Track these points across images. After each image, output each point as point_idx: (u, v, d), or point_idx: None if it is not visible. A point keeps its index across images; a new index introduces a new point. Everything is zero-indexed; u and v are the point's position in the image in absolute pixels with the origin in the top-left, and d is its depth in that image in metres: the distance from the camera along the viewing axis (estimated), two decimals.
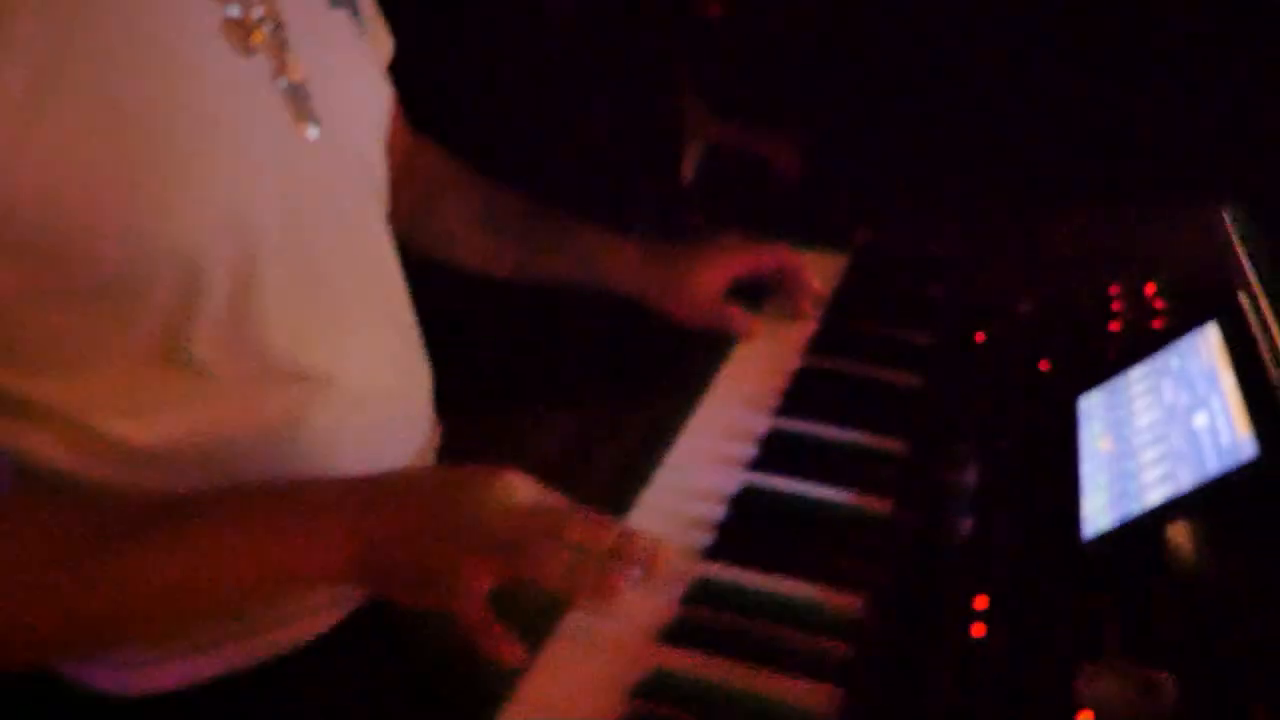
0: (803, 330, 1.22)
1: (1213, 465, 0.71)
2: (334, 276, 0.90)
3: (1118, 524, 0.74)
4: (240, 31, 0.81)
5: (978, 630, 0.74)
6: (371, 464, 0.91)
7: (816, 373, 1.14)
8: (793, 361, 1.16)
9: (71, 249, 0.72)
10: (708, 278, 1.21)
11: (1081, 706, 0.65)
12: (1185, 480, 0.72)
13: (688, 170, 3.25)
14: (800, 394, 1.09)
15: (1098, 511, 0.78)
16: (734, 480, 0.96)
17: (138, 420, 0.81)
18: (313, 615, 0.95)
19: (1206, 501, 0.71)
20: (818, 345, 1.19)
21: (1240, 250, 1.07)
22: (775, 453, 1.00)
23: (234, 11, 0.81)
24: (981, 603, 0.76)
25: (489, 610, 0.68)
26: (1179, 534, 0.72)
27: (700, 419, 1.07)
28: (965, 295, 1.24)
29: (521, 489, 0.71)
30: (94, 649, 0.85)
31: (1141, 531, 0.73)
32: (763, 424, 1.05)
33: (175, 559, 0.70)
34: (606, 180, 2.05)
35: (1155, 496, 0.74)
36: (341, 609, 0.97)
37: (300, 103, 0.85)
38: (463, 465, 0.74)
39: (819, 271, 1.29)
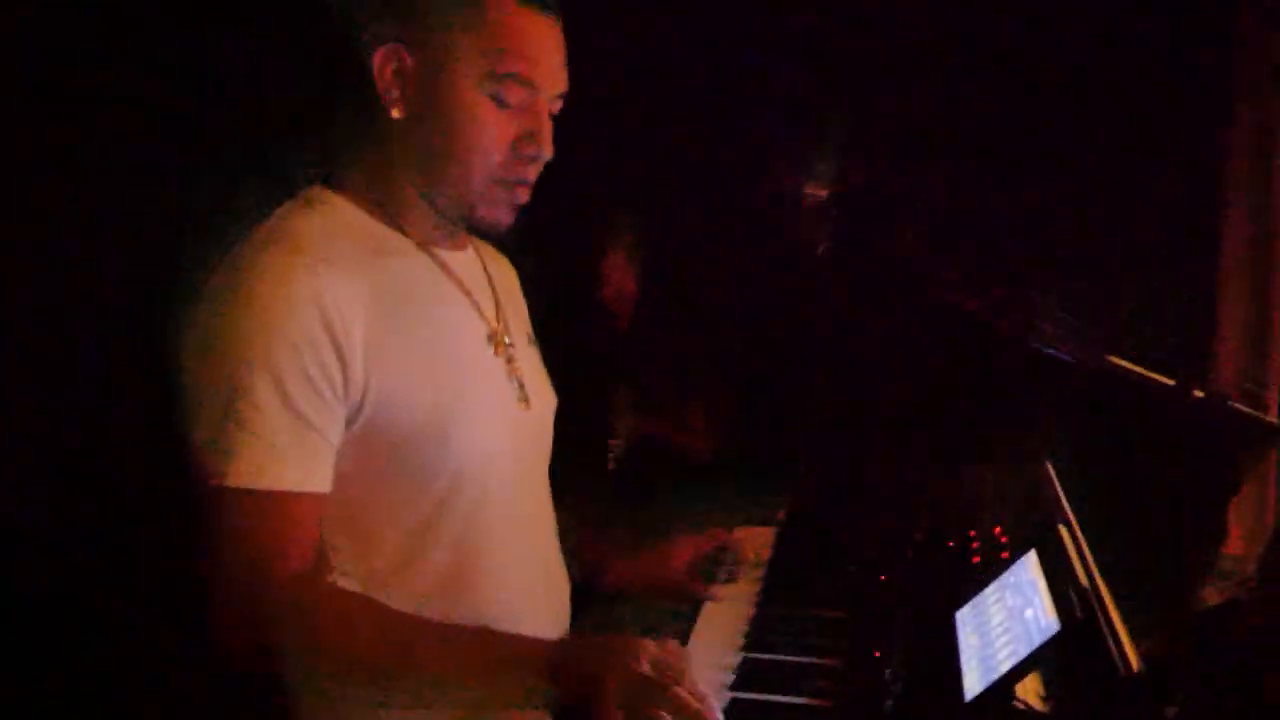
0: (750, 587, 1.62)
1: (1035, 640, 1.11)
2: (524, 502, 1.38)
3: (985, 687, 1.12)
4: (495, 339, 1.37)
5: None
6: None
7: (767, 617, 1.52)
8: (748, 610, 1.55)
9: (407, 440, 1.23)
10: (672, 566, 1.64)
11: None
12: (1021, 652, 1.11)
13: (612, 464, 3.66)
14: (756, 632, 1.47)
15: (973, 682, 1.16)
16: (721, 698, 1.32)
17: (420, 577, 1.27)
18: None
19: (1034, 663, 1.10)
20: (761, 599, 1.59)
21: (1060, 494, 1.51)
22: (745, 677, 1.37)
23: (490, 329, 1.37)
24: None
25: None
26: (1022, 686, 1.11)
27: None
28: (869, 546, 1.65)
29: (652, 652, 1.10)
30: (383, 689, 1.22)
31: (1000, 689, 1.11)
32: (734, 658, 1.42)
33: (439, 663, 1.18)
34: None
35: (1005, 666, 1.12)
36: None
37: (521, 389, 1.38)
38: (614, 637, 1.16)
39: (752, 541, 1.71)
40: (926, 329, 2.04)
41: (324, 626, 1.20)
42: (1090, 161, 2.31)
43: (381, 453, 1.24)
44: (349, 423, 1.22)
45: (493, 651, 1.22)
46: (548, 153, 1.30)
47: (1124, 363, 1.19)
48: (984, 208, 2.31)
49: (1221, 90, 2.20)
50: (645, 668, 1.10)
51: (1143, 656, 1.11)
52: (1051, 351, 1.19)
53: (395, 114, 1.26)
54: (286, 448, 1.17)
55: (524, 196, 1.32)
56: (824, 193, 1.27)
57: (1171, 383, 1.14)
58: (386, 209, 1.31)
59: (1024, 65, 2.36)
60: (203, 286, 1.23)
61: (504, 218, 1.32)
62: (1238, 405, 1.12)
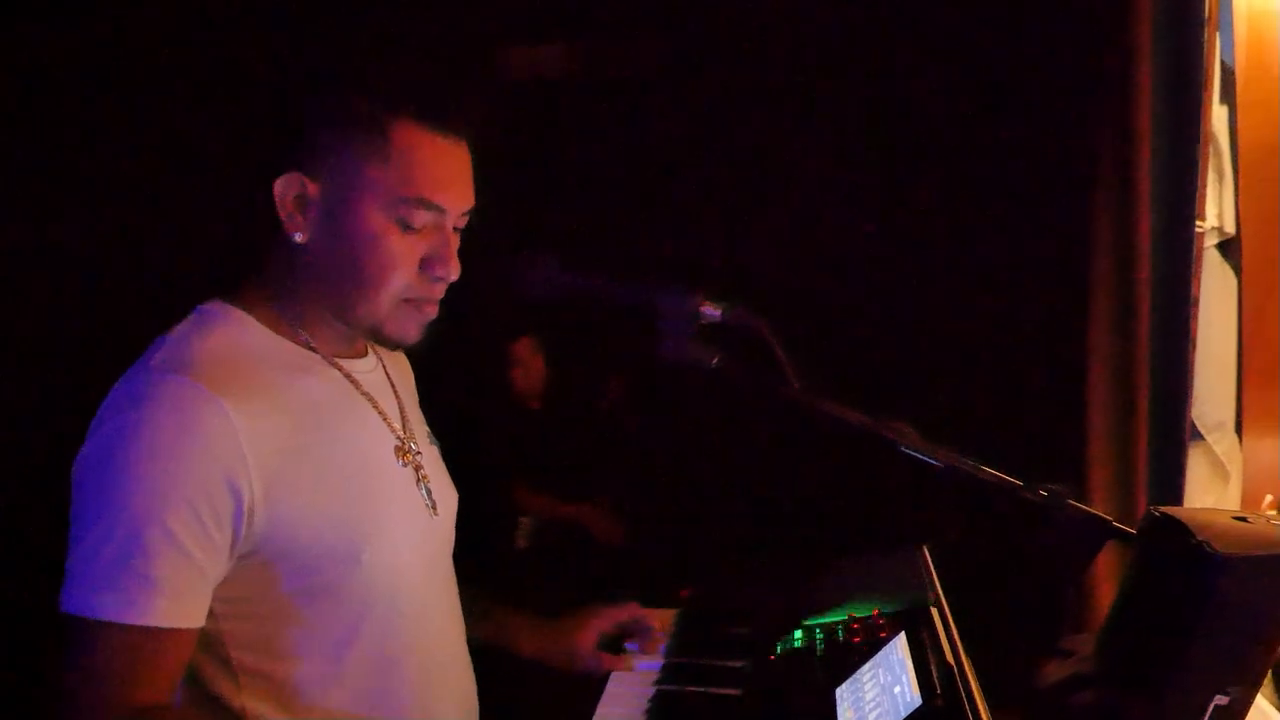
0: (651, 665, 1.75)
1: (902, 712, 1.25)
2: (435, 604, 1.44)
3: None
4: (402, 451, 1.40)
5: None
6: None
7: (669, 692, 1.65)
8: (648, 687, 1.67)
9: (316, 561, 1.25)
10: (583, 638, 1.75)
11: None
12: None
13: (521, 542, 3.75)
14: (660, 706, 1.60)
15: None
16: None
17: (325, 682, 1.29)
18: None
19: None
20: (665, 675, 1.71)
21: (934, 578, 1.67)
22: None
23: (398, 439, 1.40)
24: None
25: None
26: None
27: None
28: (761, 627, 1.78)
29: None
30: None
31: None
32: None
33: None
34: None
35: None
36: None
37: (429, 496, 1.42)
38: None
39: (656, 620, 1.84)
40: (812, 433, 2.18)
41: None
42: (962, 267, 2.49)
43: (291, 576, 1.26)
44: (249, 553, 1.23)
45: None
46: (453, 274, 1.33)
47: (983, 467, 1.34)
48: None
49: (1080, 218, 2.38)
50: None
51: None
52: (924, 457, 1.34)
53: (299, 239, 1.29)
54: (163, 584, 1.16)
55: (432, 313, 1.35)
56: (717, 311, 1.39)
57: (1020, 483, 1.30)
58: (290, 323, 1.33)
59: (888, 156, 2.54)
60: (100, 411, 1.23)
61: (411, 334, 1.35)
62: (1074, 503, 1.28)
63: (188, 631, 1.20)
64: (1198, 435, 3.26)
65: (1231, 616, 1.10)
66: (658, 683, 1.69)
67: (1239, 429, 3.51)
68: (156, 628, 1.17)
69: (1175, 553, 1.15)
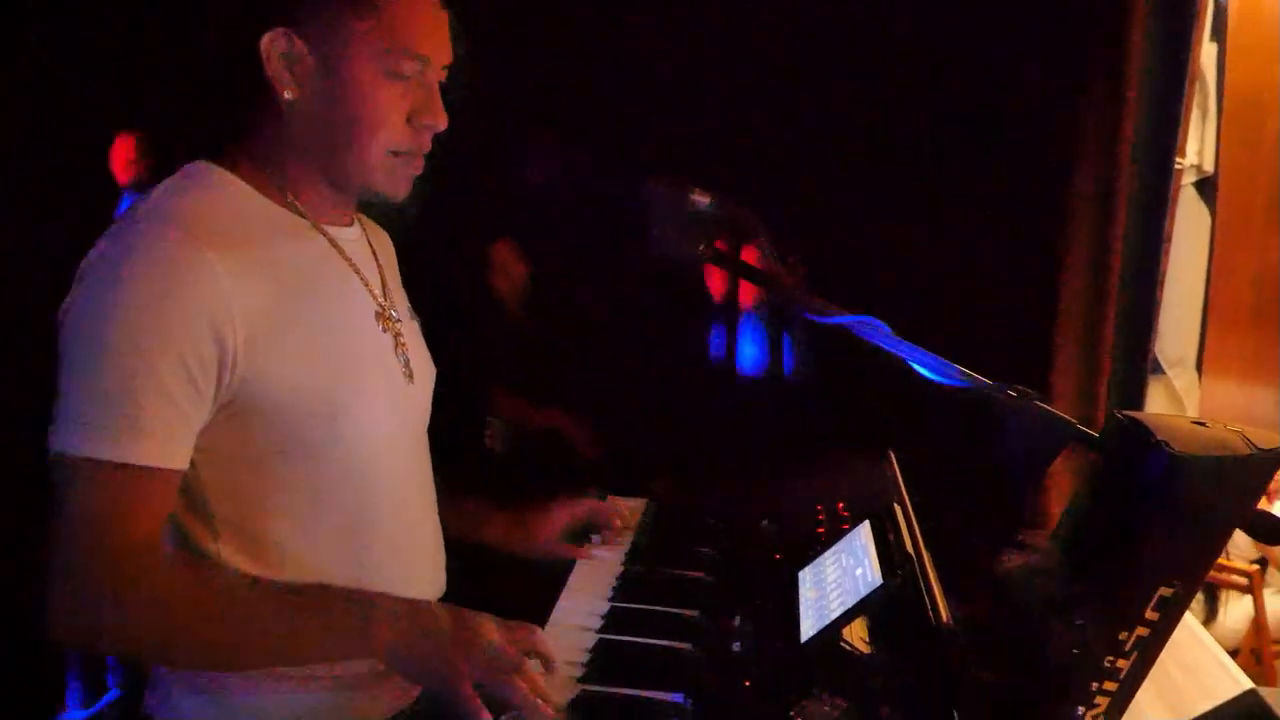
0: (620, 550, 1.80)
1: (863, 591, 1.30)
2: (410, 470, 1.46)
3: (817, 631, 1.32)
4: (383, 317, 1.43)
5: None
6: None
7: (635, 573, 1.70)
8: (617, 568, 1.72)
9: (295, 420, 1.27)
10: (550, 527, 1.79)
11: None
12: (849, 602, 1.31)
13: (495, 444, 3.78)
14: (626, 586, 1.65)
15: (808, 627, 1.35)
16: (590, 639, 1.49)
17: (300, 539, 1.32)
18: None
19: (860, 610, 1.30)
20: (631, 558, 1.76)
21: (899, 478, 1.72)
22: (613, 621, 1.54)
23: (379, 305, 1.42)
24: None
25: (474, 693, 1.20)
26: (849, 631, 1.30)
27: (562, 607, 1.61)
28: (728, 521, 1.84)
29: (491, 626, 1.25)
30: (216, 664, 1.30)
31: (829, 632, 1.30)
32: (603, 606, 1.59)
33: (279, 624, 1.24)
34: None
35: (836, 613, 1.32)
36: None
37: (407, 365, 1.44)
38: (464, 611, 1.27)
39: (624, 509, 1.89)
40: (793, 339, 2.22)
41: (151, 599, 1.21)
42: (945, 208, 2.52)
43: (269, 430, 1.28)
44: (229, 403, 1.25)
45: (332, 630, 1.26)
46: (442, 123, 1.35)
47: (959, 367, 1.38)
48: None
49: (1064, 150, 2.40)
50: (491, 645, 1.23)
51: (953, 612, 1.32)
52: (898, 351, 1.37)
53: (287, 95, 1.30)
54: (149, 425, 1.19)
55: (419, 167, 1.38)
56: (706, 200, 1.41)
57: (992, 383, 1.33)
58: (277, 186, 1.34)
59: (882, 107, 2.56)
60: (84, 264, 1.24)
61: (401, 188, 1.37)
62: (1040, 404, 1.32)
63: (173, 472, 1.23)
64: (1159, 369, 3.34)
65: (1184, 514, 1.15)
66: (625, 566, 1.74)
67: (1199, 367, 3.59)
68: (144, 466, 1.19)
69: (1135, 452, 1.19)
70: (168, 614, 1.22)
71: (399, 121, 1.33)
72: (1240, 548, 3.97)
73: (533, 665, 1.25)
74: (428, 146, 1.37)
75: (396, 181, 1.37)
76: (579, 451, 3.57)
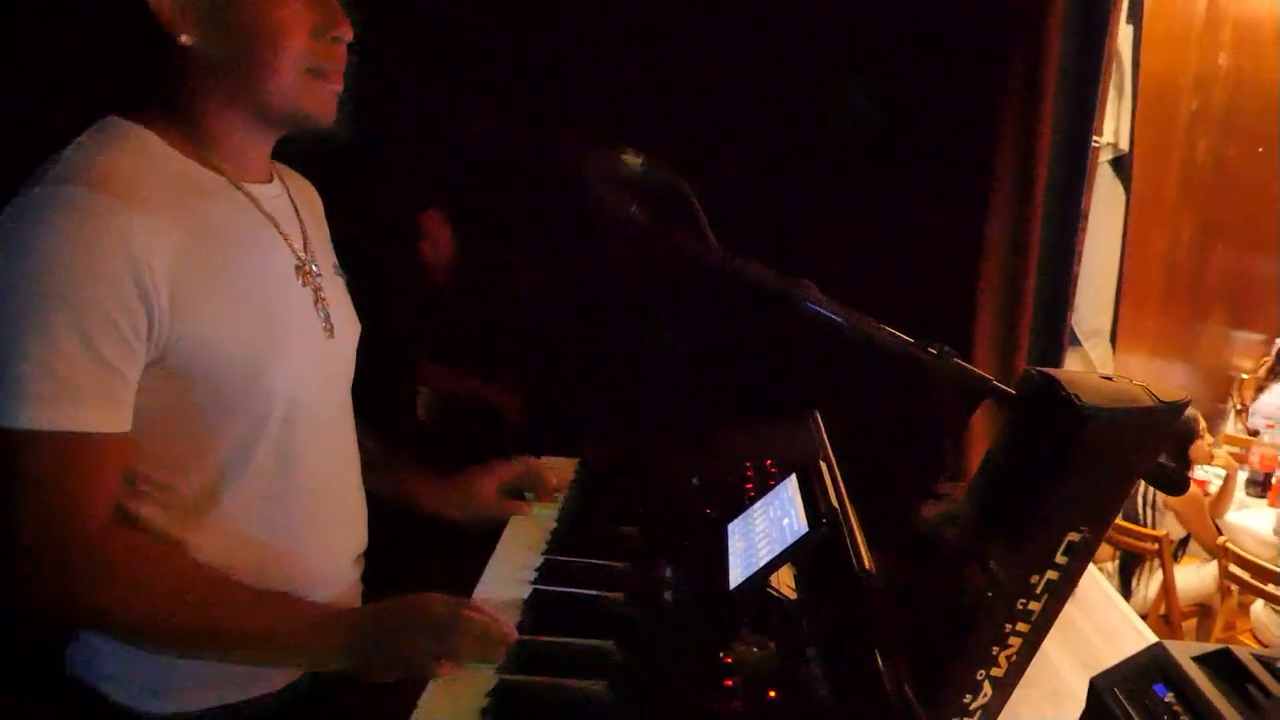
0: (553, 508, 1.83)
1: (790, 539, 1.35)
2: (331, 427, 1.47)
3: (744, 578, 1.37)
4: (302, 271, 1.42)
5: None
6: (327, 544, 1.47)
7: (568, 528, 1.73)
8: (549, 524, 1.75)
9: (216, 377, 1.27)
10: (483, 488, 1.82)
11: (730, 671, 1.24)
12: (777, 549, 1.36)
13: (423, 414, 3.77)
14: (559, 540, 1.68)
15: (736, 575, 1.40)
16: (525, 589, 1.52)
17: (221, 498, 1.33)
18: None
19: (787, 557, 1.35)
20: (563, 515, 1.79)
21: (824, 437, 1.77)
22: (546, 573, 1.58)
23: (299, 259, 1.41)
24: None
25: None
26: (776, 578, 1.35)
27: (498, 559, 1.64)
28: (658, 479, 1.88)
29: (445, 607, 1.29)
30: (176, 648, 1.30)
31: (757, 579, 1.35)
32: (536, 559, 1.63)
33: (238, 625, 1.27)
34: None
35: (764, 560, 1.36)
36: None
37: (327, 320, 1.44)
38: (404, 597, 1.32)
39: (556, 469, 1.92)
40: (718, 292, 2.23)
41: (127, 574, 1.22)
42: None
43: (192, 388, 1.27)
44: (154, 362, 1.23)
45: (296, 616, 1.31)
46: (347, 32, 1.34)
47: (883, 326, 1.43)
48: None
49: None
50: (445, 613, 1.29)
51: (875, 560, 1.38)
52: (825, 313, 1.42)
53: (185, 39, 1.27)
54: (86, 389, 1.17)
55: (338, 83, 1.36)
56: (638, 162, 1.44)
57: (910, 340, 1.39)
58: (192, 141, 1.32)
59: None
60: None
61: (326, 109, 1.35)
62: (958, 360, 1.38)
63: (119, 436, 1.22)
64: (1076, 341, 3.44)
65: (1092, 462, 1.21)
66: (557, 522, 1.77)
67: (1113, 339, 3.71)
68: (86, 433, 1.19)
69: (1047, 406, 1.25)
70: (142, 591, 1.24)
71: (303, 37, 1.31)
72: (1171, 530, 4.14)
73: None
74: (342, 61, 1.35)
75: (319, 102, 1.35)
76: (507, 419, 3.58)
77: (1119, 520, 4.04)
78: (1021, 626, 1.22)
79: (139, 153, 1.28)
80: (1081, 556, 1.21)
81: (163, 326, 1.22)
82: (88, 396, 1.18)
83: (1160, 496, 4.08)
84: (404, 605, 1.31)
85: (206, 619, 1.26)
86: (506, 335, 3.67)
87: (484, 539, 1.75)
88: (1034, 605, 1.20)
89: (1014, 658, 1.24)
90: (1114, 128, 3.22)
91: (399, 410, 3.62)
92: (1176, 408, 1.20)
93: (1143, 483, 4.01)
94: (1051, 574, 1.20)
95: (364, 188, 1.52)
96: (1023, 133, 2.62)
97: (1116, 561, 4.36)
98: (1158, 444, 1.24)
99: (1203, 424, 4.53)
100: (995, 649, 1.22)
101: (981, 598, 1.19)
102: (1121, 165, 3.35)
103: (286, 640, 1.30)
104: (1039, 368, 1.32)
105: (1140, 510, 4.18)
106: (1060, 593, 1.22)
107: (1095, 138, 2.91)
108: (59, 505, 1.19)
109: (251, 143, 1.37)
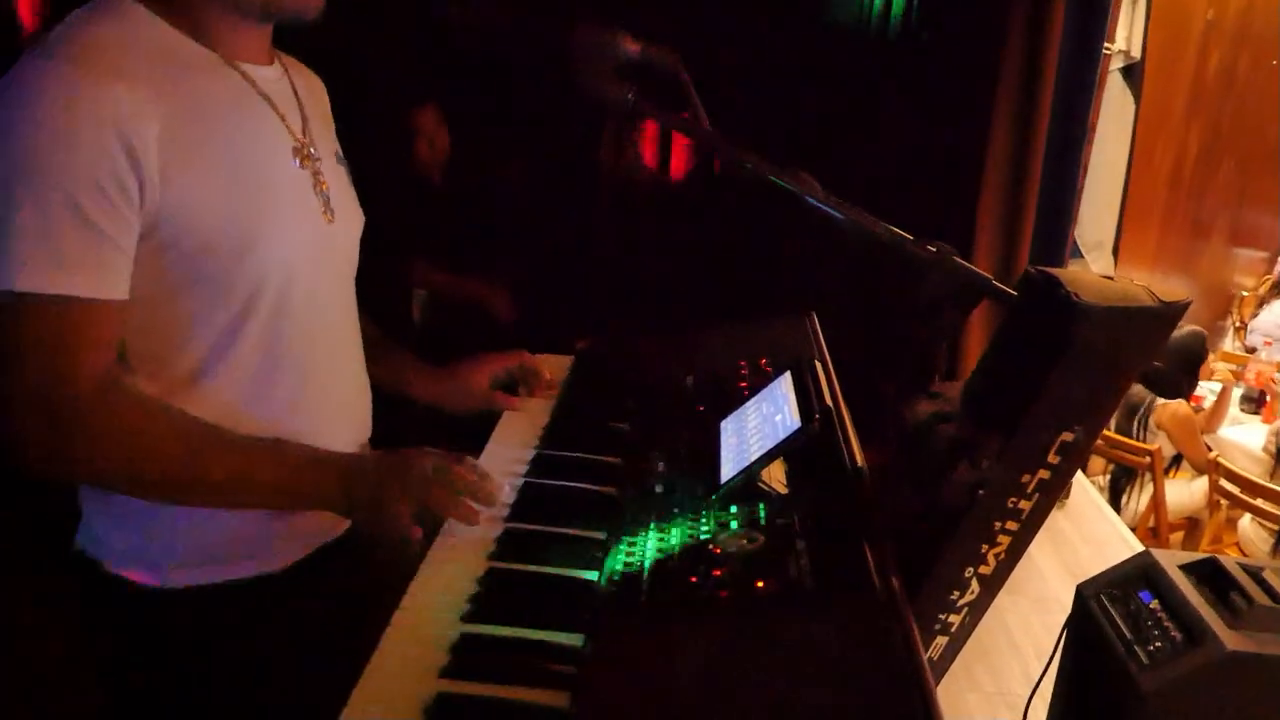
0: (546, 403, 1.82)
1: (782, 434, 1.35)
2: (328, 311, 1.47)
3: (735, 472, 1.36)
4: (301, 152, 1.41)
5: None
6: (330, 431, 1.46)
7: (561, 423, 1.73)
8: (542, 419, 1.75)
9: (207, 251, 1.27)
10: (476, 379, 1.82)
11: (719, 562, 1.24)
12: (769, 444, 1.35)
13: (417, 315, 3.77)
14: (551, 435, 1.68)
15: (728, 470, 1.39)
16: (518, 482, 1.52)
17: (214, 375, 1.34)
18: (289, 547, 1.46)
19: (779, 451, 1.34)
20: (557, 409, 1.79)
21: (819, 337, 1.76)
22: (539, 466, 1.58)
23: (297, 142, 1.40)
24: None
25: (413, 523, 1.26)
26: (767, 473, 1.35)
27: (490, 453, 1.64)
28: (653, 375, 1.87)
29: (433, 459, 1.30)
30: (178, 497, 1.33)
31: (749, 472, 1.35)
32: (529, 453, 1.63)
33: (244, 467, 1.30)
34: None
35: (755, 455, 1.36)
36: (308, 546, 1.48)
37: (326, 203, 1.44)
38: (402, 449, 1.33)
39: (551, 365, 1.91)
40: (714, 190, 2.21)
41: (120, 429, 1.25)
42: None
43: (182, 263, 1.27)
44: (147, 234, 1.24)
45: (285, 459, 1.34)
46: None
47: (879, 221, 1.40)
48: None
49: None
50: (430, 464, 1.30)
51: (866, 457, 1.37)
52: (824, 207, 1.39)
53: None
54: (79, 256, 1.19)
55: None
56: (635, 48, 1.40)
57: (910, 237, 1.37)
58: (188, 19, 1.32)
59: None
60: None
61: (310, 2, 1.35)
62: (958, 259, 1.36)
63: (113, 304, 1.23)
64: (1078, 253, 3.42)
65: (1087, 360, 1.20)
66: (550, 416, 1.77)
67: (1116, 253, 3.69)
68: (78, 297, 1.20)
69: (1044, 303, 1.23)
70: (135, 445, 1.26)
71: None
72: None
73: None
74: None
75: None
76: (500, 320, 3.58)
77: (1112, 434, 4.05)
78: (1011, 525, 1.22)
79: (133, 27, 1.28)
80: (1073, 457, 1.21)
81: (153, 196, 1.22)
82: (80, 263, 1.19)
83: (1152, 418, 4.08)
84: (397, 454, 1.34)
85: (199, 465, 1.29)
86: (501, 233, 3.65)
87: (480, 432, 1.75)
88: (1024, 504, 1.20)
89: (1002, 556, 1.24)
90: (1126, 35, 3.15)
91: (395, 312, 3.62)
92: (1177, 308, 1.18)
93: (1138, 403, 4.03)
94: (1043, 473, 1.20)
95: (358, 86, 1.49)
96: (1031, 36, 2.57)
97: (1108, 475, 4.39)
98: (1156, 344, 1.23)
99: None
100: (985, 547, 1.23)
101: (973, 495, 1.19)
102: (1132, 74, 3.29)
103: (279, 481, 1.33)
104: (1039, 267, 1.30)
105: (1134, 431, 4.20)
106: (1051, 493, 1.22)
107: (1106, 44, 2.86)
108: (51, 367, 1.21)
109: (246, 27, 1.36)
